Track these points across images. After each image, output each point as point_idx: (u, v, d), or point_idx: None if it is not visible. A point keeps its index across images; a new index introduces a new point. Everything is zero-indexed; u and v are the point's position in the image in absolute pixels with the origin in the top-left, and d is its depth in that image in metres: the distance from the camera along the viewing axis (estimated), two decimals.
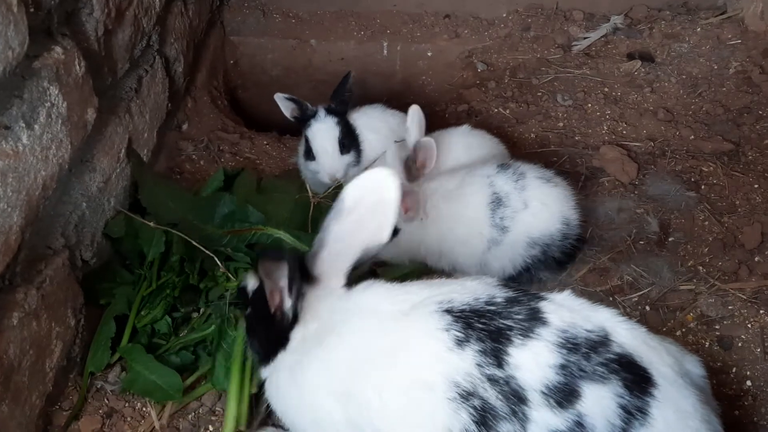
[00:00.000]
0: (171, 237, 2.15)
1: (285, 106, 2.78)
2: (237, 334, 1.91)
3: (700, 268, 2.44)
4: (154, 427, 1.89)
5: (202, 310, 2.08)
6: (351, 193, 1.55)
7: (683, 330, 2.23)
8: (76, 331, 1.98)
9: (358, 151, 2.75)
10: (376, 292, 1.57)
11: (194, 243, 2.10)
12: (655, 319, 2.26)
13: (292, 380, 1.56)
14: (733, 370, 2.11)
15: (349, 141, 2.72)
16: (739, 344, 2.17)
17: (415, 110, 2.37)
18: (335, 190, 2.58)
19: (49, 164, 1.76)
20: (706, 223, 2.60)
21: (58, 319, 1.87)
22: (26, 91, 1.68)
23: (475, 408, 1.35)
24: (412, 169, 2.24)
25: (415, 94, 3.91)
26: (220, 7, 3.88)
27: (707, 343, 2.19)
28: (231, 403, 1.83)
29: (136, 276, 2.17)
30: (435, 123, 3.08)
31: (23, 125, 1.65)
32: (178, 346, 2.01)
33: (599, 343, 1.39)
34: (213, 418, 1.96)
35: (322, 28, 4.00)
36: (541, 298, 1.46)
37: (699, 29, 3.70)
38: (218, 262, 2.07)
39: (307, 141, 2.73)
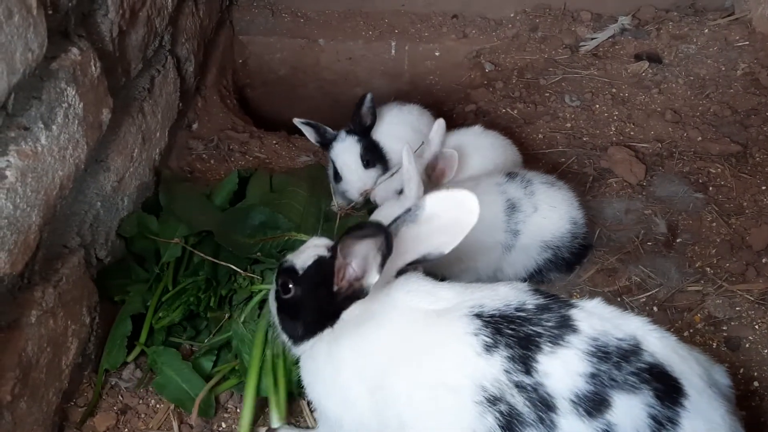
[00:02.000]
0: (189, 241, 2.20)
1: (306, 131, 2.78)
2: (256, 338, 1.92)
3: (708, 269, 2.45)
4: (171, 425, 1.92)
5: (227, 314, 2.10)
6: (433, 203, 1.59)
7: (691, 331, 2.25)
8: (90, 328, 2.00)
9: (385, 164, 2.74)
10: (415, 290, 1.59)
11: (210, 258, 2.16)
12: (663, 320, 2.27)
13: (328, 355, 1.59)
14: (741, 371, 2.12)
15: (372, 156, 2.71)
16: (747, 345, 2.18)
17: (440, 124, 2.39)
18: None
19: (66, 164, 1.78)
20: (714, 224, 2.62)
21: (74, 317, 1.90)
22: (44, 92, 1.70)
23: (501, 413, 1.37)
24: (431, 177, 2.27)
25: (423, 94, 3.93)
26: (229, 7, 3.90)
27: (715, 344, 2.20)
28: (248, 401, 1.87)
29: (150, 273, 2.20)
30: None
31: (41, 126, 1.67)
32: (204, 350, 2.03)
33: (630, 352, 1.40)
34: (225, 415, 1.98)
35: (330, 27, 4.02)
36: (572, 306, 1.48)
37: (706, 30, 3.71)
38: (238, 270, 2.10)
39: (332, 163, 2.74)
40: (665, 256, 2.51)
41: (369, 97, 2.72)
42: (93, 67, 1.93)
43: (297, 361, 1.78)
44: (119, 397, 1.99)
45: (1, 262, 1.51)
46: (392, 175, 2.48)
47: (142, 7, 2.33)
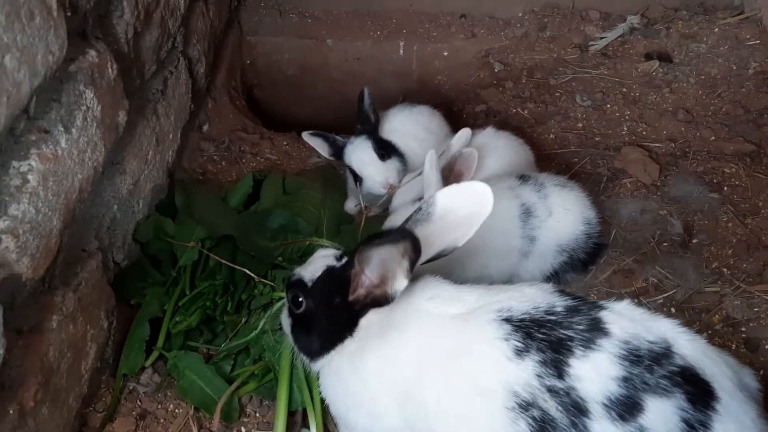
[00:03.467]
0: (205, 244, 2.19)
1: (315, 144, 2.72)
2: (284, 348, 1.91)
3: (725, 269, 2.44)
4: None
5: (244, 319, 2.08)
6: (444, 200, 1.57)
7: (709, 332, 2.24)
8: (108, 332, 1.99)
9: (401, 157, 2.70)
10: (437, 295, 1.57)
11: (226, 263, 2.14)
12: (681, 322, 2.26)
13: (352, 368, 1.56)
14: (761, 372, 2.10)
15: (387, 149, 2.66)
16: (766, 346, 2.17)
17: (466, 133, 2.34)
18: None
19: (85, 167, 1.76)
20: (730, 224, 2.60)
21: (93, 321, 1.88)
22: (64, 95, 1.69)
23: (534, 419, 1.35)
24: (449, 178, 2.24)
25: (431, 94, 3.91)
26: (237, 7, 3.89)
27: (734, 345, 2.19)
28: (280, 412, 1.85)
29: (166, 276, 2.18)
30: (452, 123, 3.09)
31: (61, 129, 1.65)
32: (223, 354, 2.02)
33: (662, 355, 1.38)
34: (245, 419, 1.97)
35: (339, 27, 4.01)
36: (601, 308, 1.46)
37: (717, 29, 3.70)
38: (252, 276, 2.08)
39: (349, 168, 2.69)
40: (682, 257, 2.49)
41: (366, 92, 2.67)
42: (110, 69, 1.92)
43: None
44: (138, 402, 1.98)
45: (24, 266, 1.50)
46: (415, 177, 2.46)
47: (156, 8, 2.31)
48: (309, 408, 1.88)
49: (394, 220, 2.17)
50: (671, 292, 2.36)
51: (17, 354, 1.54)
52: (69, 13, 1.67)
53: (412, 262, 1.44)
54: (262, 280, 2.12)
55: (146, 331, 2.01)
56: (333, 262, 1.61)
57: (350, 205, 2.71)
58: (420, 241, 1.44)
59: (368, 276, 1.50)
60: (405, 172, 2.63)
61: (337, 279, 1.56)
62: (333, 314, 1.58)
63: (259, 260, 2.17)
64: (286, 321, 1.70)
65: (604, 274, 2.45)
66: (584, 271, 2.43)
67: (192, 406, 1.95)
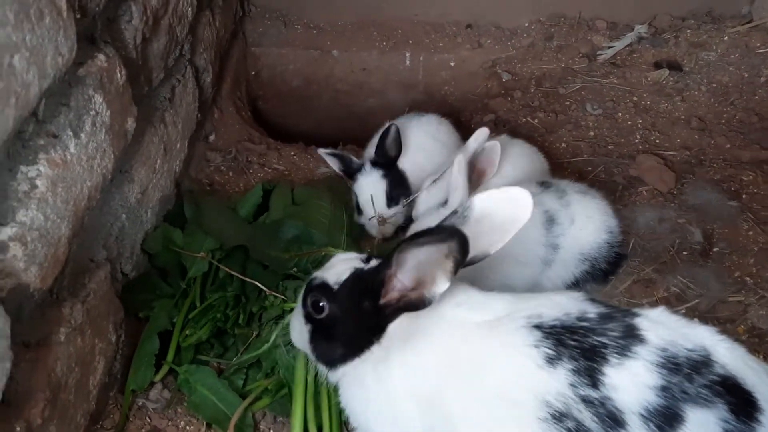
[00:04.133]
0: (215, 255, 2.12)
1: (330, 162, 2.72)
2: (298, 361, 1.84)
3: (748, 278, 2.38)
4: None
5: (255, 332, 2.01)
6: (482, 204, 1.51)
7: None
8: (116, 346, 1.92)
9: (408, 194, 2.64)
10: (465, 301, 1.51)
11: (237, 275, 2.08)
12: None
13: (375, 376, 1.49)
14: None
15: (398, 192, 2.63)
16: None
17: (483, 132, 2.27)
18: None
19: (93, 174, 1.70)
20: (751, 232, 2.55)
21: (101, 335, 1.81)
22: (72, 99, 1.63)
23: (568, 430, 1.28)
24: (471, 177, 2.17)
25: (438, 104, 3.87)
26: (242, 18, 3.85)
27: (761, 356, 2.12)
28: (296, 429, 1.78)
29: (174, 288, 2.11)
30: (460, 133, 3.04)
31: (70, 134, 1.59)
32: (234, 368, 1.94)
33: (702, 363, 1.31)
34: None
35: (344, 38, 3.97)
36: (635, 314, 1.39)
37: (726, 38, 3.67)
38: (263, 288, 2.02)
39: (355, 196, 2.67)
40: (703, 266, 2.43)
41: (394, 128, 2.61)
42: (119, 74, 1.86)
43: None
44: (147, 418, 1.90)
45: (32, 276, 1.43)
46: (434, 182, 2.40)
47: (164, 14, 2.26)
48: (326, 424, 1.80)
49: (420, 228, 2.11)
50: (694, 302, 2.30)
51: (24, 368, 1.46)
52: (78, 15, 1.62)
53: (457, 264, 1.37)
54: (273, 293, 2.05)
55: (155, 345, 1.94)
56: (360, 265, 1.54)
57: (371, 233, 2.66)
58: (469, 241, 1.36)
59: (402, 278, 1.43)
60: (406, 215, 2.61)
61: (367, 282, 1.48)
62: (360, 319, 1.50)
63: (271, 271, 2.10)
64: (302, 328, 1.60)
65: (623, 284, 2.39)
66: (605, 281, 2.37)
67: (204, 422, 1.87)
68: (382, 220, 2.60)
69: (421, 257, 1.38)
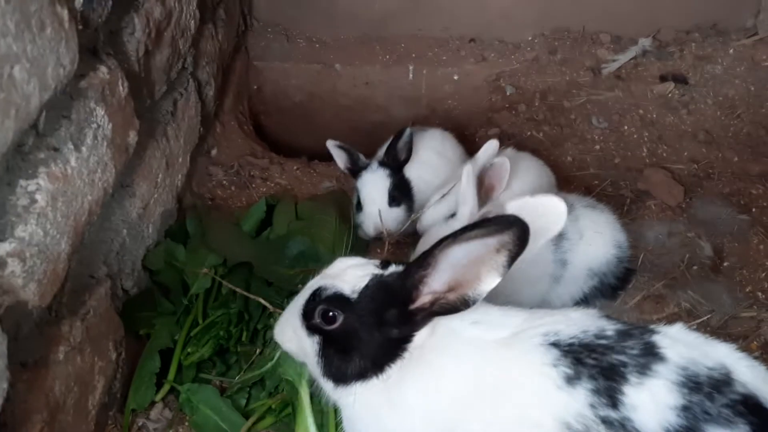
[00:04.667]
0: (218, 272, 2.08)
1: (337, 155, 2.70)
2: (302, 378, 1.79)
3: (759, 293, 2.34)
4: None
5: (259, 350, 1.96)
6: (515, 211, 1.43)
7: None
8: (117, 365, 1.87)
9: (410, 204, 2.64)
10: (480, 319, 1.44)
11: (241, 291, 2.03)
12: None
13: (389, 403, 1.42)
14: None
15: (400, 194, 2.61)
16: None
17: (493, 145, 2.24)
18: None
19: (94, 188, 1.66)
20: (761, 246, 2.51)
21: (101, 353, 1.76)
22: (74, 112, 1.60)
23: None
24: (479, 193, 2.14)
25: (442, 119, 3.84)
26: (245, 32, 3.83)
27: None
28: None
29: (176, 305, 2.07)
30: (464, 147, 3.01)
31: (71, 147, 1.56)
32: (237, 387, 1.89)
33: (722, 382, 1.26)
34: None
35: (347, 52, 3.94)
36: (654, 332, 1.34)
37: (731, 51, 3.65)
38: (267, 305, 1.96)
39: (357, 192, 2.65)
40: (713, 281, 2.40)
41: (408, 132, 2.62)
42: (121, 87, 1.83)
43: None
44: None
45: (30, 293, 1.38)
46: (443, 196, 2.36)
47: (167, 27, 2.24)
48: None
49: (428, 241, 2.06)
50: (705, 318, 2.25)
51: (21, 389, 1.42)
52: (80, 27, 1.59)
53: (513, 257, 1.30)
54: (278, 310, 2.00)
55: (156, 364, 1.89)
56: (377, 271, 1.46)
57: (368, 231, 2.60)
58: (530, 231, 1.28)
59: (437, 279, 1.36)
60: (406, 221, 2.59)
61: (394, 287, 1.41)
62: (383, 329, 1.43)
63: (276, 288, 2.06)
64: (304, 341, 1.51)
65: (633, 299, 2.34)
66: (613, 297, 2.32)
67: None
68: (381, 233, 2.56)
69: (464, 254, 1.31)
